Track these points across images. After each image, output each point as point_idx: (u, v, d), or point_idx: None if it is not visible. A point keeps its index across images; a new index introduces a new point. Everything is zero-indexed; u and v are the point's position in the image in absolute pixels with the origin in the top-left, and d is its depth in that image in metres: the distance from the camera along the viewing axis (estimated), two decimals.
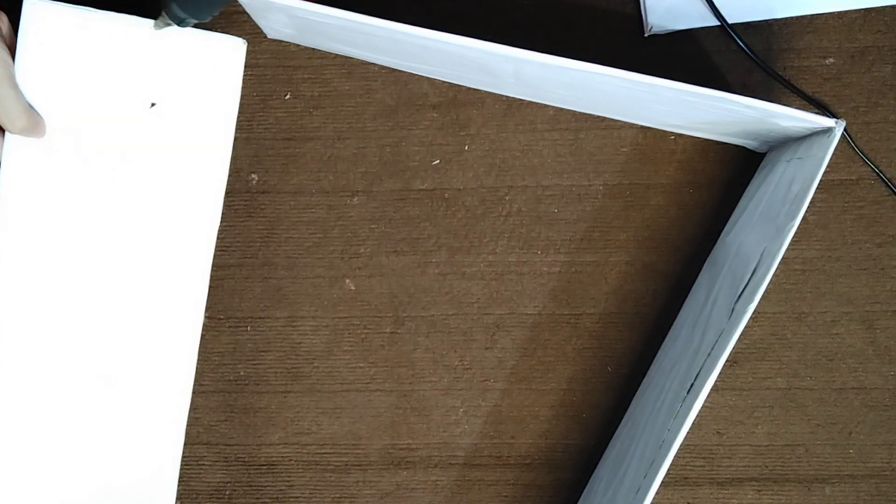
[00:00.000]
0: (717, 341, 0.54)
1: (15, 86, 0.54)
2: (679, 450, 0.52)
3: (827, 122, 0.55)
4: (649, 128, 0.67)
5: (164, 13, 0.54)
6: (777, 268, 0.53)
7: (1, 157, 0.55)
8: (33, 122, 0.54)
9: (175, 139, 0.56)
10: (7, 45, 0.54)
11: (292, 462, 0.68)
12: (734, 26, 0.65)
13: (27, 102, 0.54)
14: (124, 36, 0.55)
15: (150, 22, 0.55)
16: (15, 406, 0.56)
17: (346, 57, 0.68)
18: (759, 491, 0.66)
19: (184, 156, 0.56)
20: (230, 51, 0.56)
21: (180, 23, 0.54)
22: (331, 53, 0.68)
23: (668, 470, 0.52)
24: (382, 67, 0.68)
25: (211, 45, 0.55)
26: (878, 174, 0.65)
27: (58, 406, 0.57)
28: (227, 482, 0.68)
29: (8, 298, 0.55)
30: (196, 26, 0.55)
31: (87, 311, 0.56)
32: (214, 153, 0.57)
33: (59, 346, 0.56)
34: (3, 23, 0.54)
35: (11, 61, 0.54)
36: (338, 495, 0.68)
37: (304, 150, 0.68)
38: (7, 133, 0.54)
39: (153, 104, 0.55)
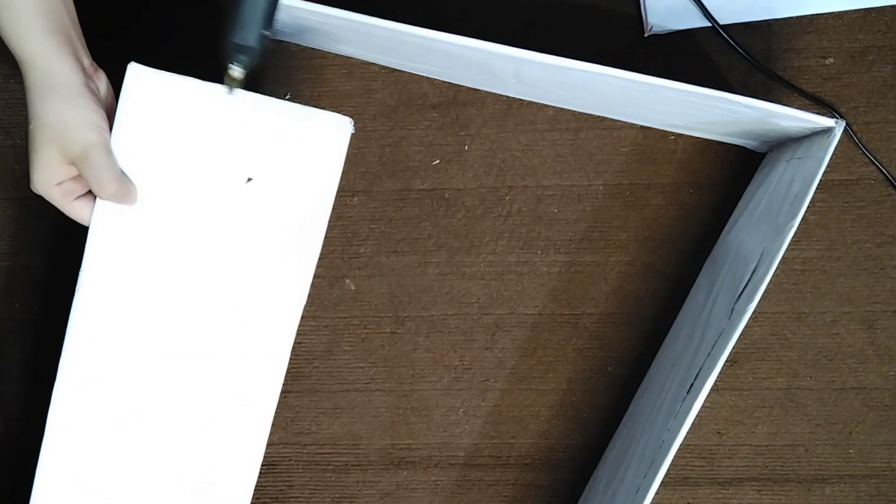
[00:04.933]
0: (717, 341, 0.54)
1: (109, 153, 0.53)
2: (679, 450, 0.52)
3: (827, 121, 0.55)
4: (649, 128, 0.67)
5: (228, 64, 0.53)
6: (777, 268, 0.53)
7: (90, 221, 0.55)
8: (124, 190, 0.54)
9: (269, 215, 0.54)
10: (105, 107, 0.53)
11: (292, 462, 0.68)
12: (734, 27, 0.65)
13: (119, 170, 0.53)
14: (225, 108, 0.53)
15: (252, 95, 0.54)
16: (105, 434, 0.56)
17: (346, 57, 0.68)
18: (759, 491, 0.66)
19: (275, 232, 0.55)
20: (335, 129, 0.54)
21: (244, 52, 0.52)
22: (331, 53, 0.68)
23: (668, 470, 0.52)
24: (382, 67, 0.68)
25: (315, 122, 0.54)
26: (881, 170, 0.65)
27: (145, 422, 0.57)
28: None
29: (88, 357, 0.55)
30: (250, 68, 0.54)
31: (166, 373, 0.56)
32: (307, 232, 0.55)
33: (141, 401, 0.56)
34: (102, 83, 0.54)
35: (108, 128, 0.53)
36: (338, 495, 0.68)
37: None
38: (98, 199, 0.54)
39: (249, 179, 0.54)
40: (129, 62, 0.54)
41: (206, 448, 0.56)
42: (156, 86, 0.53)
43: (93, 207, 0.54)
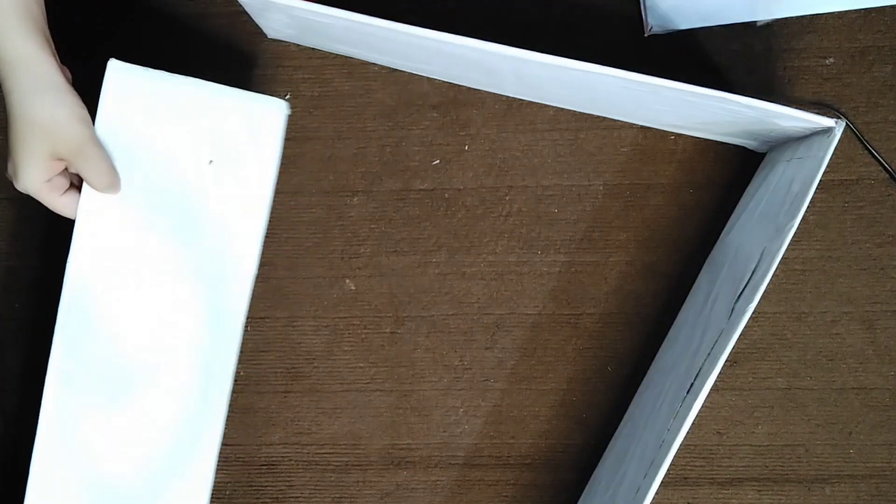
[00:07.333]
0: (717, 341, 0.54)
1: (99, 144, 0.55)
2: (679, 450, 0.52)
3: (827, 121, 0.55)
4: (649, 128, 0.67)
5: None
6: (777, 268, 0.53)
7: (77, 213, 0.56)
8: (116, 180, 0.56)
9: (223, 193, 0.59)
10: None
11: (292, 462, 0.68)
12: (734, 27, 0.65)
13: (110, 160, 0.55)
14: (190, 98, 0.57)
15: (208, 84, 0.57)
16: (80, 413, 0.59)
17: (346, 57, 0.68)
18: (759, 491, 0.66)
19: (228, 209, 0.59)
20: (273, 111, 0.59)
21: None
22: (331, 53, 0.68)
23: (668, 470, 0.52)
24: (382, 67, 0.68)
25: (256, 105, 0.58)
26: (883, 166, 0.65)
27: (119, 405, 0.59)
28: (227, 482, 0.68)
29: (78, 329, 0.57)
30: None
31: (146, 335, 0.59)
32: (253, 207, 0.60)
33: (120, 360, 0.59)
34: (68, 76, 0.55)
35: (91, 120, 0.55)
36: (338, 495, 0.68)
37: (304, 150, 0.68)
38: (84, 190, 0.55)
39: (210, 161, 0.58)
40: (102, 60, 0.56)
41: (175, 425, 0.60)
42: (133, 80, 0.56)
43: (76, 200, 0.56)
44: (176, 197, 0.58)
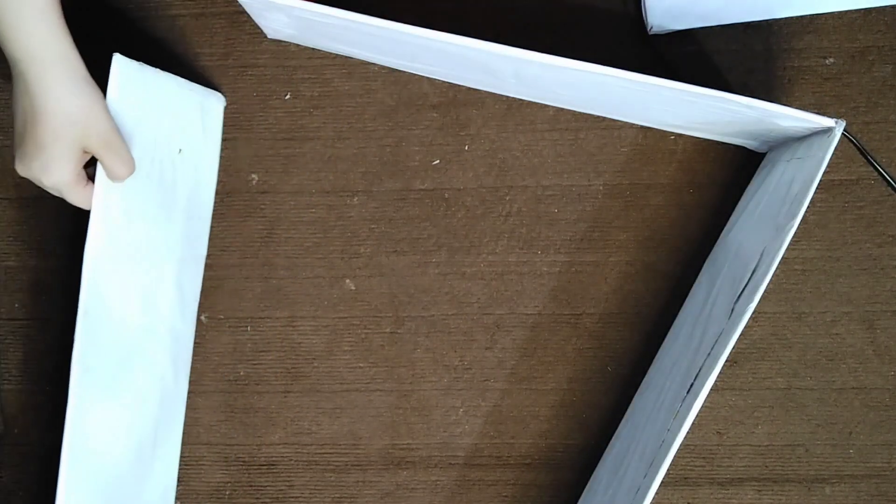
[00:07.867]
0: (717, 341, 0.54)
1: (121, 135, 0.56)
2: (679, 450, 0.52)
3: (827, 122, 0.55)
4: (649, 128, 0.67)
5: None
6: (777, 268, 0.53)
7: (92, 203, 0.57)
8: (133, 169, 0.57)
9: (188, 178, 0.65)
10: None
11: (292, 462, 0.68)
12: (734, 26, 0.65)
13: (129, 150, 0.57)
14: (167, 91, 0.62)
15: (179, 79, 0.62)
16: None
17: (346, 57, 0.68)
18: (759, 491, 0.66)
19: (190, 190, 0.65)
20: (216, 103, 0.67)
21: None
22: (331, 53, 0.68)
23: (668, 470, 0.52)
24: (382, 67, 0.68)
25: (204, 98, 0.65)
26: (879, 172, 0.65)
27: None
28: (227, 482, 0.68)
29: (95, 316, 0.58)
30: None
31: (139, 318, 0.62)
32: (207, 188, 0.67)
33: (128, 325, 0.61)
34: None
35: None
36: (338, 495, 0.68)
37: (304, 150, 0.68)
38: (98, 179, 0.56)
39: (180, 150, 0.63)
40: (100, 59, 0.57)
41: (156, 408, 0.63)
42: (131, 74, 0.58)
43: (91, 191, 0.56)
44: (157, 184, 0.61)
